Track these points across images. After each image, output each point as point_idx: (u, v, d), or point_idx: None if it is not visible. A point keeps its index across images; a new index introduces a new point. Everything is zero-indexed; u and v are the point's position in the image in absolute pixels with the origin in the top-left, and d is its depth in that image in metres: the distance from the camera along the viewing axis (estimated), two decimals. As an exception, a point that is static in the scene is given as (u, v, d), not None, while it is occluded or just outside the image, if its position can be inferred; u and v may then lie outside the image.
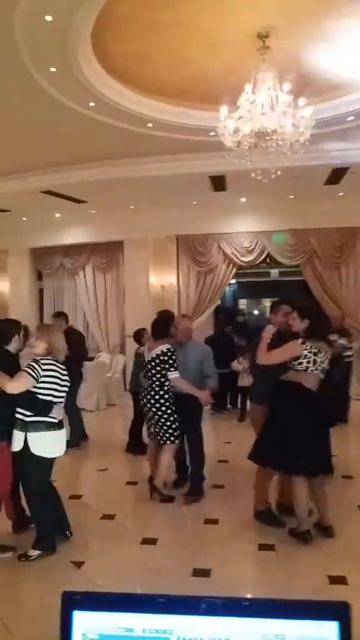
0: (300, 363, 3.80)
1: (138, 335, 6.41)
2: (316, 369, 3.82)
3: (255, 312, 18.70)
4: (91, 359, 9.44)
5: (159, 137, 6.75)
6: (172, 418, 4.70)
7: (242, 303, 17.73)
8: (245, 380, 8.05)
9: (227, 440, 7.02)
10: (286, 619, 0.79)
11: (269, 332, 4.10)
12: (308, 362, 3.79)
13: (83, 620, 0.82)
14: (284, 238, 10.20)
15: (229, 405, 9.00)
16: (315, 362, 3.80)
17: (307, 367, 3.80)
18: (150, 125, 6.46)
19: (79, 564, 3.61)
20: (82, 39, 4.72)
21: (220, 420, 8.41)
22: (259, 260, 10.47)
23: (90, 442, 6.89)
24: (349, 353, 7.15)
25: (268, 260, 10.65)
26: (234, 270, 10.56)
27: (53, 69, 5.04)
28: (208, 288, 10.57)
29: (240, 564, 3.68)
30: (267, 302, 18.83)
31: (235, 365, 8.15)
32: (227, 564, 3.62)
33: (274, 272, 11.57)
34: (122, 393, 9.96)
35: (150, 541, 3.97)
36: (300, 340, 3.83)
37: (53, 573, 3.49)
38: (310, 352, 3.80)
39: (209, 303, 10.62)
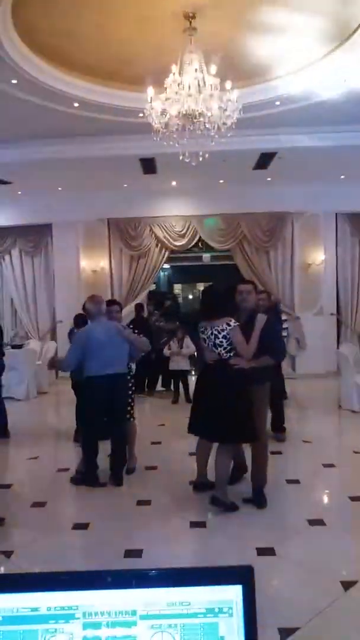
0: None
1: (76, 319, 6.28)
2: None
3: (190, 296, 18.89)
4: (20, 346, 9.18)
5: (86, 117, 6.59)
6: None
7: (177, 288, 17.86)
8: (181, 364, 8.12)
9: (161, 422, 7.07)
10: (192, 586, 0.81)
11: (262, 323, 4.21)
12: None
13: (-13, 604, 0.80)
14: (215, 222, 10.31)
15: (161, 388, 9.06)
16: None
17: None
18: (76, 105, 6.29)
19: (8, 554, 3.53)
20: (2, 13, 4.50)
21: (154, 403, 8.46)
22: (191, 244, 10.54)
23: (21, 431, 6.72)
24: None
25: (200, 244, 10.75)
26: (167, 254, 10.56)
27: (-30, 42, 4.79)
28: (141, 272, 10.52)
29: (172, 543, 3.74)
30: (200, 287, 19.11)
31: (166, 351, 8.18)
32: (159, 543, 3.67)
33: (206, 257, 11.70)
34: (54, 380, 9.80)
35: (82, 526, 3.95)
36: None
37: (-20, 564, 3.40)
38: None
39: (142, 287, 10.58)
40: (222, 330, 4.09)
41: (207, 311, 4.26)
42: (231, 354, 4.12)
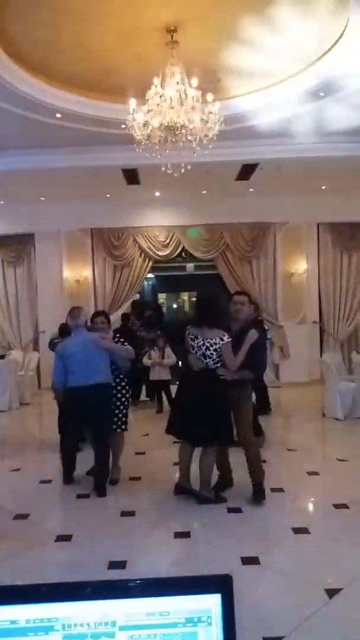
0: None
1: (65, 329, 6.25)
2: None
3: (174, 305, 18.91)
4: (2, 356, 9.10)
5: (69, 128, 6.61)
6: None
7: (162, 297, 17.88)
8: (162, 374, 8.09)
9: (145, 432, 7.05)
10: (171, 595, 0.81)
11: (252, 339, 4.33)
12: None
13: (-35, 618, 0.80)
14: (198, 233, 10.38)
15: (146, 398, 9.04)
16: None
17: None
18: (58, 115, 6.31)
19: (-11, 568, 3.48)
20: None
21: (138, 413, 8.43)
22: (175, 254, 10.59)
23: (3, 442, 6.65)
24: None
25: (184, 254, 10.80)
26: (150, 264, 10.59)
27: None
28: (125, 282, 10.52)
29: (156, 553, 3.72)
30: (184, 296, 19.17)
31: (146, 360, 8.14)
32: (143, 554, 3.65)
33: (190, 266, 11.74)
34: (37, 391, 9.72)
35: (65, 538, 3.91)
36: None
37: None
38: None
39: (126, 297, 10.57)
40: (215, 343, 4.18)
41: (201, 321, 4.31)
42: (218, 365, 4.25)
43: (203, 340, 4.22)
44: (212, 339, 4.18)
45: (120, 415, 5.04)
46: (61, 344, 5.16)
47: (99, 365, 4.83)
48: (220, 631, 0.82)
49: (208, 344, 4.19)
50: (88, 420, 4.87)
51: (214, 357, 4.21)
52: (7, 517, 4.33)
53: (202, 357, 4.23)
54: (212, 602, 0.82)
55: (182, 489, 4.56)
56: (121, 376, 5.06)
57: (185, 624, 0.82)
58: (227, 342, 4.18)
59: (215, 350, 4.19)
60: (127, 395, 5.19)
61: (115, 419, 5.01)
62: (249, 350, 4.28)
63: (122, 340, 5.15)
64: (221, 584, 0.83)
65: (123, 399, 5.09)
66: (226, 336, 4.19)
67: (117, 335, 5.19)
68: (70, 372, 4.85)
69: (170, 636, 0.81)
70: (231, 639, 0.82)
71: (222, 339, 4.17)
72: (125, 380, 5.13)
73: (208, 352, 4.21)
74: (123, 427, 5.08)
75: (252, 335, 4.31)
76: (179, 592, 0.82)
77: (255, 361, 4.41)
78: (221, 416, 4.23)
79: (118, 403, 5.04)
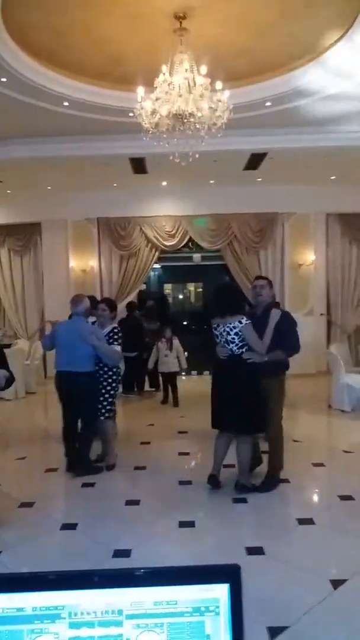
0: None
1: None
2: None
3: (180, 296, 18.91)
4: (8, 346, 9.12)
5: (76, 116, 6.57)
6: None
7: (167, 287, 17.86)
8: (172, 366, 8.02)
9: (150, 422, 7.06)
10: (178, 585, 0.80)
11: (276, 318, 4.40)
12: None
13: (-28, 605, 0.79)
14: (205, 223, 10.32)
15: (151, 388, 9.05)
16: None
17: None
18: (66, 104, 6.27)
19: (-5, 554, 3.50)
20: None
21: (143, 403, 8.45)
22: (181, 244, 10.54)
23: (8, 430, 6.68)
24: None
25: (190, 244, 10.75)
26: (157, 254, 10.55)
27: None
28: (131, 272, 10.50)
29: (161, 542, 3.73)
30: (190, 287, 19.15)
31: (154, 354, 8.11)
32: (148, 543, 3.66)
33: (197, 257, 11.70)
34: (42, 380, 9.75)
35: (70, 526, 3.93)
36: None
37: (-32, 565, 3.37)
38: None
39: (133, 287, 10.56)
40: (234, 327, 4.26)
41: (221, 309, 4.41)
42: (243, 350, 4.29)
43: (224, 326, 4.31)
44: (231, 324, 4.27)
45: (105, 404, 5.03)
46: (57, 323, 5.36)
47: (80, 355, 4.88)
48: (228, 621, 0.81)
49: (228, 329, 4.28)
50: (70, 405, 5.01)
51: (236, 341, 4.28)
52: (13, 505, 4.36)
53: (225, 344, 4.32)
54: (220, 592, 0.81)
55: (214, 481, 4.52)
56: (108, 366, 5.03)
57: (193, 613, 0.81)
58: (246, 324, 4.24)
59: (235, 334, 4.26)
60: (113, 385, 5.11)
61: (100, 407, 5.01)
62: (277, 330, 4.32)
63: (117, 337, 5.02)
64: (229, 574, 0.82)
65: (108, 387, 5.06)
66: (244, 319, 4.27)
67: (115, 329, 5.09)
68: (56, 353, 5.08)
69: (178, 625, 0.80)
70: (239, 629, 0.81)
71: (240, 322, 4.25)
72: (113, 370, 5.08)
73: (229, 337, 4.28)
74: (107, 415, 5.06)
75: (275, 314, 4.39)
76: (186, 582, 0.81)
77: (284, 339, 4.36)
78: (250, 402, 4.24)
79: (103, 392, 5.02)
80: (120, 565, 3.31)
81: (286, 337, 4.37)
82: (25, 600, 0.79)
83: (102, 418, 5.06)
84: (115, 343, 5.02)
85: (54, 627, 0.80)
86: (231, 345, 4.29)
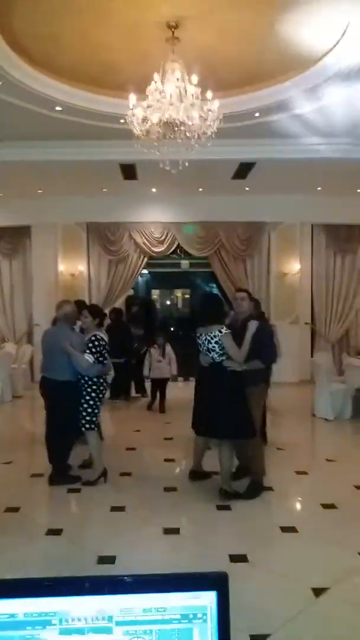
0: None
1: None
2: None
3: (167, 302, 18.93)
4: (-5, 349, 9.08)
5: (68, 121, 6.59)
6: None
7: (155, 293, 17.87)
8: (164, 372, 8.00)
9: (136, 428, 7.06)
10: (167, 592, 0.83)
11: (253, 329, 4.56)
12: None
13: None
14: (193, 230, 10.38)
15: (137, 394, 9.05)
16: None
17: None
18: (58, 108, 6.29)
19: (-22, 560, 3.49)
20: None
21: (130, 409, 8.45)
22: (170, 251, 10.59)
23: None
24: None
25: (179, 251, 10.80)
26: (145, 260, 10.59)
27: None
28: (119, 277, 10.52)
29: (145, 549, 3.73)
30: (178, 293, 19.19)
31: (147, 360, 8.11)
32: (132, 550, 3.66)
33: (184, 263, 11.75)
34: (29, 384, 9.70)
35: (55, 532, 3.92)
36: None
37: None
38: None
39: (121, 292, 10.57)
40: (214, 336, 4.44)
41: (202, 318, 4.63)
42: (224, 358, 4.47)
43: (205, 335, 4.49)
44: (211, 333, 4.45)
45: (84, 414, 4.84)
46: (44, 330, 5.55)
47: (58, 362, 4.86)
48: (215, 628, 0.83)
49: (209, 338, 4.46)
50: (49, 411, 5.08)
51: (216, 349, 4.45)
52: (-3, 510, 4.33)
53: (207, 352, 4.49)
54: (207, 599, 0.83)
55: (194, 475, 4.90)
56: (89, 376, 4.84)
57: (181, 620, 0.83)
58: (225, 334, 4.42)
59: (216, 342, 4.44)
60: (93, 395, 4.86)
61: (80, 417, 4.84)
62: (254, 340, 4.49)
63: (93, 347, 4.80)
64: (217, 582, 0.85)
65: (87, 397, 4.85)
66: (224, 328, 4.45)
67: (93, 338, 4.84)
68: (42, 359, 5.22)
69: (166, 632, 0.83)
70: (226, 637, 0.83)
71: (220, 331, 4.42)
72: (94, 379, 4.85)
73: (210, 346, 4.46)
74: (87, 426, 4.86)
75: (251, 325, 4.56)
76: (175, 589, 0.83)
77: (259, 349, 4.54)
78: (231, 408, 4.36)
79: (82, 401, 4.84)
80: (104, 572, 3.31)
81: (262, 348, 4.58)
82: (18, 606, 0.80)
83: (83, 429, 4.89)
84: (89, 352, 4.77)
85: (45, 634, 0.81)
86: (212, 353, 4.46)
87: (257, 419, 4.69)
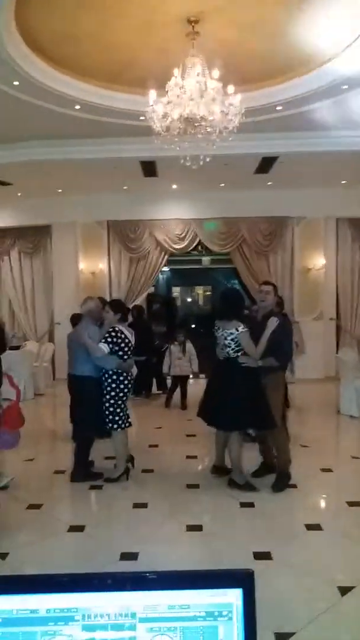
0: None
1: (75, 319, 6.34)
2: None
3: (188, 299, 18.91)
4: (17, 347, 9.16)
5: (88, 119, 6.60)
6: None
7: (176, 290, 17.87)
8: (185, 369, 8.01)
9: (158, 425, 7.06)
10: (192, 589, 0.80)
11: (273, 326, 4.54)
12: None
13: (-15, 605, 0.79)
14: (215, 226, 10.32)
15: (158, 391, 9.04)
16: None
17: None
18: (77, 107, 6.30)
19: (3, 555, 3.52)
20: (5, 15, 4.52)
21: (152, 406, 8.45)
22: (191, 247, 10.54)
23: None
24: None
25: (200, 248, 10.76)
26: (166, 257, 10.56)
27: (-27, 44, 4.79)
28: (140, 275, 10.52)
29: (168, 546, 3.72)
30: (199, 290, 19.16)
31: (167, 359, 8.12)
32: (155, 546, 3.65)
33: (206, 260, 11.70)
34: (51, 382, 9.78)
35: (77, 528, 3.93)
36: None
37: (-25, 566, 3.38)
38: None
39: (142, 290, 10.57)
40: (231, 333, 4.48)
41: (221, 314, 4.68)
42: (239, 354, 4.51)
43: (223, 331, 4.54)
44: (229, 330, 4.49)
45: (107, 413, 4.77)
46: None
47: (78, 357, 4.93)
48: (241, 626, 0.81)
49: (226, 334, 4.51)
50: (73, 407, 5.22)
51: (232, 345, 4.50)
52: (21, 506, 4.37)
53: (223, 347, 4.55)
54: (233, 597, 0.81)
55: (216, 469, 4.93)
56: (109, 373, 4.77)
57: (206, 617, 0.81)
58: (242, 332, 4.45)
59: (232, 340, 4.49)
60: (113, 394, 4.78)
61: (104, 417, 4.79)
62: (273, 337, 4.48)
63: (109, 337, 4.72)
64: (243, 579, 0.82)
65: (108, 397, 4.77)
66: (241, 326, 4.46)
67: (111, 330, 4.77)
68: None
69: (191, 629, 0.80)
70: (252, 635, 0.81)
71: (237, 329, 4.45)
72: (113, 377, 4.76)
73: (227, 342, 4.52)
74: (110, 425, 4.79)
75: (272, 322, 4.53)
76: (200, 586, 0.81)
77: (276, 347, 4.53)
78: (236, 402, 4.43)
79: (104, 400, 4.78)
80: (127, 568, 3.31)
81: (279, 346, 4.57)
82: (39, 602, 0.79)
83: (111, 428, 4.84)
84: (104, 341, 4.69)
85: (67, 630, 0.80)
86: (227, 349, 4.53)
87: (278, 408, 4.67)
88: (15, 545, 3.71)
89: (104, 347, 4.67)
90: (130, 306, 9.25)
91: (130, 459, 5.05)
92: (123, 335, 4.80)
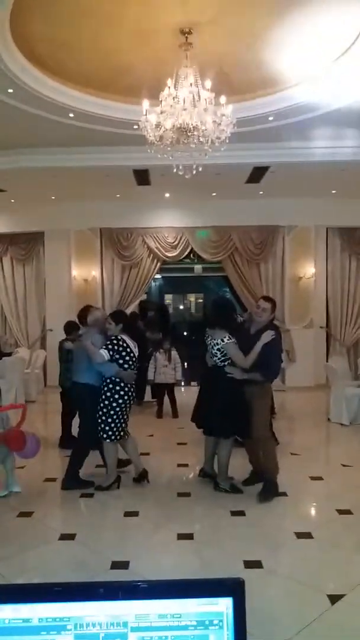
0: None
1: (68, 327, 6.36)
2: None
3: (181, 306, 18.95)
4: (9, 354, 9.13)
5: (81, 127, 6.63)
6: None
7: (168, 298, 17.91)
8: (168, 377, 8.03)
9: (149, 433, 7.05)
10: (183, 598, 0.82)
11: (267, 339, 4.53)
12: None
13: (-21, 615, 0.80)
14: (207, 234, 10.38)
15: (152, 399, 9.02)
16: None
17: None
18: (71, 115, 6.33)
19: (-7, 564, 3.49)
20: (0, 22, 4.54)
21: (144, 413, 8.43)
22: (183, 255, 10.59)
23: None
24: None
25: (192, 256, 10.80)
26: (159, 265, 10.59)
27: (-32, 52, 4.81)
28: (132, 282, 10.53)
29: (159, 554, 3.72)
30: (191, 297, 19.21)
31: (152, 364, 8.13)
32: (146, 555, 3.65)
33: (198, 268, 11.74)
34: (42, 389, 9.74)
35: (68, 537, 3.92)
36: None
37: (-35, 575, 3.36)
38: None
39: (134, 297, 10.59)
40: (217, 344, 4.57)
41: (210, 322, 4.79)
42: (225, 363, 4.60)
43: (211, 340, 4.63)
44: (216, 339, 4.57)
45: (99, 422, 4.75)
46: None
47: (80, 365, 4.97)
48: (232, 635, 0.82)
49: (214, 343, 4.60)
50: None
51: (218, 355, 4.60)
52: (12, 514, 4.35)
53: (212, 355, 4.65)
54: (224, 606, 0.82)
55: (204, 473, 5.02)
56: (107, 382, 4.75)
57: (197, 626, 0.82)
58: (228, 343, 4.52)
59: (218, 349, 4.57)
60: (107, 402, 4.74)
61: (98, 426, 4.78)
62: (264, 352, 4.48)
63: (109, 343, 4.75)
64: (233, 588, 0.84)
65: (101, 404, 4.76)
66: (227, 337, 4.53)
67: (113, 338, 4.80)
68: None
69: (182, 638, 0.82)
70: (242, 643, 0.82)
71: (223, 340, 4.53)
72: (110, 386, 4.74)
73: (214, 351, 4.62)
74: (104, 435, 4.76)
75: (266, 335, 4.52)
76: (191, 595, 0.82)
77: (265, 362, 4.52)
78: (223, 409, 4.54)
79: (98, 409, 4.76)
80: (118, 577, 3.30)
81: (267, 362, 4.54)
82: (32, 611, 0.80)
83: (104, 438, 4.79)
84: (104, 348, 4.72)
85: (60, 639, 0.81)
86: (214, 358, 4.63)
87: (263, 417, 4.67)
88: (6, 553, 3.69)
89: (104, 354, 4.71)
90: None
91: (145, 474, 4.96)
92: (124, 344, 4.79)
